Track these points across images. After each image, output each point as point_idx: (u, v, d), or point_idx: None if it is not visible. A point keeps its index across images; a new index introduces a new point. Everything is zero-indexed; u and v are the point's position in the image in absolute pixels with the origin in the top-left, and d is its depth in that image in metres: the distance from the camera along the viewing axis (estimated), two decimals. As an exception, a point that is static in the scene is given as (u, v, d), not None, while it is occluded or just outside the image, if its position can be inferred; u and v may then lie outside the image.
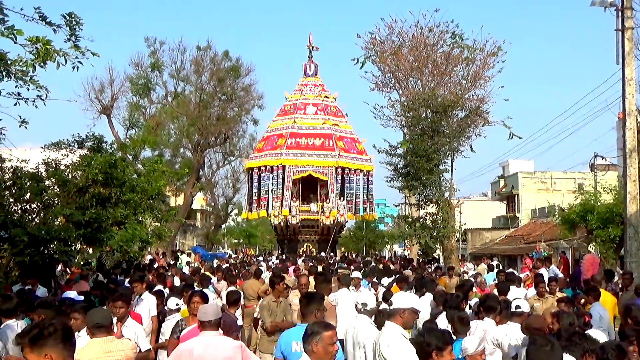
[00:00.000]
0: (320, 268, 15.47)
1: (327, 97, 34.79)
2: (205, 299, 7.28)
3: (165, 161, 30.96)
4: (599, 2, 14.15)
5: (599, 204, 18.50)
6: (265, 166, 32.73)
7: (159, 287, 10.68)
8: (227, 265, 21.80)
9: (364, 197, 34.09)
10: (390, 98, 27.54)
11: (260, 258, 32.99)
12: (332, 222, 32.08)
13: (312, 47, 35.35)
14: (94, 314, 5.61)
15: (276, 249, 41.39)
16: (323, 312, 6.21)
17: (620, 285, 12.42)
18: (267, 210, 33.10)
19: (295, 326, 6.14)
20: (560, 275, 16.29)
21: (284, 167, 32.05)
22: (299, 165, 32.13)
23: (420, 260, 25.10)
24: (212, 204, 56.09)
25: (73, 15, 7.97)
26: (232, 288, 10.85)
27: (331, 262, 23.03)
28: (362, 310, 6.43)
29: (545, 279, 15.10)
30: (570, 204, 20.15)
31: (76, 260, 14.25)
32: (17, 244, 11.32)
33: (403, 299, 5.51)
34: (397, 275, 13.20)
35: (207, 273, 14.41)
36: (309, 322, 5.25)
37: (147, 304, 8.86)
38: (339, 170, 32.49)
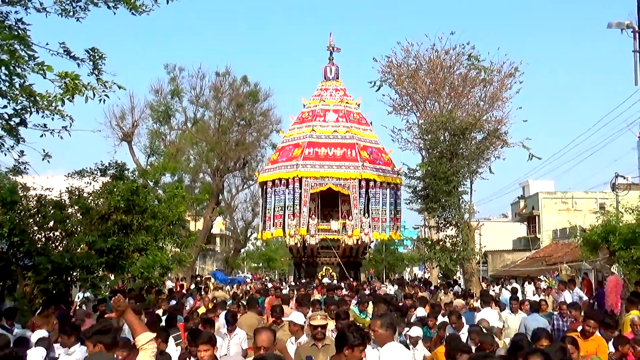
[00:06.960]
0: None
1: (349, 103, 31.68)
2: None
3: (185, 186, 31.02)
4: (615, 24, 14.19)
5: (621, 224, 18.28)
6: (280, 179, 29.34)
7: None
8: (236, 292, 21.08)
9: (390, 214, 30.49)
10: (407, 121, 27.58)
11: (270, 285, 29.09)
12: (355, 242, 28.76)
13: (333, 48, 32.57)
14: None
15: (292, 273, 38.80)
16: None
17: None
18: (283, 229, 29.55)
19: None
20: (585, 297, 16.07)
21: (300, 179, 28.74)
22: (317, 177, 28.74)
23: (440, 284, 24.93)
24: (232, 228, 56.25)
25: (96, 50, 8.26)
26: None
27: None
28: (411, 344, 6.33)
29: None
30: (592, 225, 19.93)
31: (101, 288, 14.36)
32: (41, 271, 11.50)
33: None
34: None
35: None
36: None
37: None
38: (363, 184, 29.06)
